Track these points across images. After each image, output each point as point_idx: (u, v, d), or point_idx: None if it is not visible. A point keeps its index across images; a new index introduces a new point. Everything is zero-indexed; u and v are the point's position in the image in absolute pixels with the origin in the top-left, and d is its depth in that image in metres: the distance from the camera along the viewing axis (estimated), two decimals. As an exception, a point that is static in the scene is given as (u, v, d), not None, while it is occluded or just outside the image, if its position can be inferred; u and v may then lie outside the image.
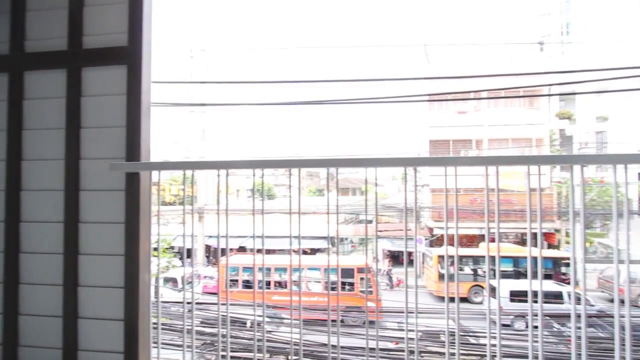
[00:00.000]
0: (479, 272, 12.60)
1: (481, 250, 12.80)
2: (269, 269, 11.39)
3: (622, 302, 1.53)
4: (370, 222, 18.98)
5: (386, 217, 16.61)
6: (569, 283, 10.92)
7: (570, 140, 15.86)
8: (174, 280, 11.33)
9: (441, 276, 12.32)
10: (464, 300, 11.83)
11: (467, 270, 12.72)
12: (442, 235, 15.19)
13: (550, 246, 14.26)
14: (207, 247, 17.48)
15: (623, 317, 1.55)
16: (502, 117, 15.12)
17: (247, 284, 11.29)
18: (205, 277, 12.94)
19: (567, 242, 14.00)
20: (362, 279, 10.95)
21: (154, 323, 1.54)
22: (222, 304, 1.51)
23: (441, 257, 12.47)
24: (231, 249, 15.51)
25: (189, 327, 1.56)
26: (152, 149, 1.58)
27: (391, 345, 7.13)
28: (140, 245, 1.49)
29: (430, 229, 15.77)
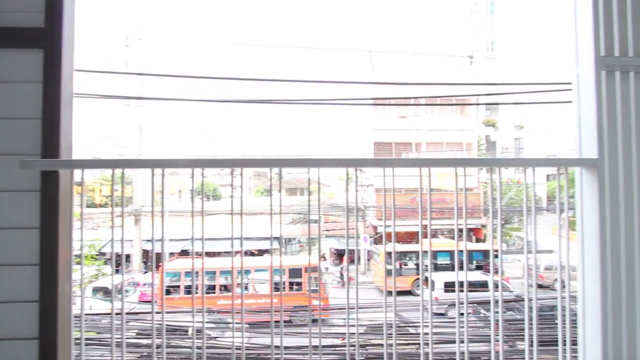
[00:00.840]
0: (422, 266, 13.47)
1: (424, 246, 13.67)
2: (213, 273, 10.94)
3: (540, 286, 1.77)
4: (317, 221, 19.25)
5: (333, 217, 16.99)
6: (497, 272, 12.18)
7: (494, 145, 17.81)
8: (105, 290, 10.33)
9: (388, 272, 12.96)
10: (408, 293, 12.54)
11: (411, 264, 13.52)
12: (387, 233, 15.95)
13: (477, 240, 15.82)
14: (145, 252, 16.24)
15: (539, 299, 1.79)
16: (438, 123, 16.44)
17: (190, 290, 10.73)
18: (144, 284, 12.02)
19: (494, 237, 15.65)
20: (310, 278, 11.03)
21: (77, 339, 1.39)
22: (158, 313, 1.41)
23: (388, 253, 13.13)
24: (172, 253, 14.57)
25: (119, 340, 1.44)
26: (77, 145, 1.43)
27: (337, 342, 7.31)
28: (60, 252, 1.34)
29: (375, 227, 16.49)
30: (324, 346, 7.22)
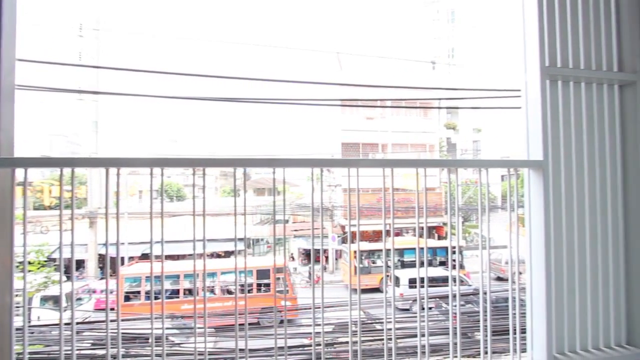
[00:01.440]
0: (389, 263, 13.83)
1: (389, 244, 14.07)
2: (176, 277, 10.52)
3: (500, 279, 1.89)
4: (283, 221, 19.15)
5: (302, 217, 16.98)
6: (461, 267, 12.80)
7: (455, 147, 18.75)
8: (55, 299, 9.58)
9: (356, 270, 13.19)
10: (376, 290, 12.81)
11: (379, 262, 13.82)
12: (353, 232, 16.19)
13: (440, 237, 16.54)
14: (101, 257, 15.26)
15: (495, 292, 1.90)
16: (403, 125, 17.01)
17: (153, 295, 10.21)
18: (102, 291, 11.29)
19: (453, 234, 16.45)
20: (278, 278, 10.95)
21: (19, 353, 1.28)
22: (113, 321, 1.33)
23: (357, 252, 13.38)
24: (132, 257, 13.84)
25: (68, 353, 1.35)
26: (20, 142, 1.31)
27: (306, 341, 7.32)
28: (-1, 259, 1.23)
29: (342, 227, 16.70)
30: (292, 347, 7.19)
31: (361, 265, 13.62)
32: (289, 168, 1.50)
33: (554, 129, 1.75)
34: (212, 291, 10.71)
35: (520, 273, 1.87)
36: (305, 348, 6.98)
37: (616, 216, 1.86)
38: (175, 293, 10.45)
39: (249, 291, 10.63)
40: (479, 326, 1.80)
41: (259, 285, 10.65)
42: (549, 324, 1.71)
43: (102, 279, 13.90)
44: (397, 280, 11.45)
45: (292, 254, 17.26)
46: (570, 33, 1.77)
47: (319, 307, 1.61)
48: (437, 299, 8.88)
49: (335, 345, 7.41)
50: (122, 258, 13.80)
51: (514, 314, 1.78)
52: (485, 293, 1.83)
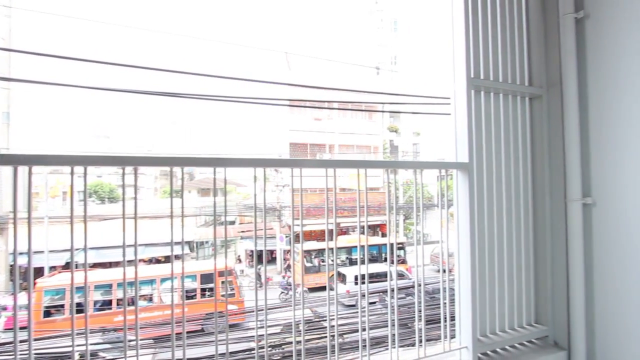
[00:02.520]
0: (338, 261, 14.14)
1: (339, 242, 14.41)
2: (109, 286, 9.60)
3: (444, 271, 2.03)
4: (233, 223, 18.55)
5: (248, 218, 16.60)
6: (403, 262, 13.52)
7: (397, 149, 19.87)
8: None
9: (307, 269, 13.28)
10: (325, 288, 12.98)
11: (329, 261, 14.01)
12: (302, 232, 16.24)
13: (383, 235, 17.37)
14: (18, 268, 13.31)
15: (433, 284, 2.04)
16: (349, 126, 17.55)
17: (80, 308, 9.20)
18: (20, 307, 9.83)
19: (397, 231, 17.37)
20: (223, 282, 10.58)
21: None
22: (23, 342, 1.18)
23: (307, 252, 13.46)
24: (54, 267, 12.35)
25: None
26: None
27: (253, 345, 7.18)
28: None
29: (290, 227, 16.68)
30: (240, 351, 6.99)
31: (310, 264, 13.75)
32: (233, 168, 1.46)
33: (477, 134, 1.95)
34: (151, 299, 9.98)
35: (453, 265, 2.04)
36: (252, 352, 6.85)
37: (527, 212, 2.13)
38: (107, 304, 9.53)
39: (192, 297, 10.12)
40: (419, 317, 1.93)
41: (203, 290, 10.17)
42: (474, 311, 1.90)
43: (12, 292, 12.13)
44: (343, 277, 11.76)
45: (238, 255, 16.78)
46: (491, 50, 1.99)
47: (268, 309, 1.59)
48: (381, 293, 9.32)
49: (283, 346, 7.39)
50: (42, 268, 12.21)
51: (445, 303, 1.94)
52: (420, 285, 1.97)
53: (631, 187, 1.82)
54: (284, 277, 13.71)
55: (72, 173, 1.06)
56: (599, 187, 1.95)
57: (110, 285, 9.56)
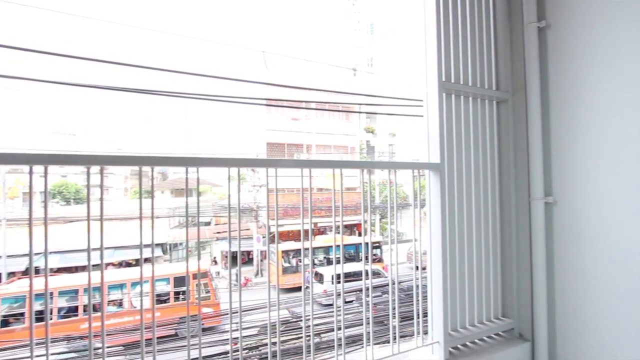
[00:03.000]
0: (315, 261, 14.16)
1: (317, 242, 14.45)
2: (74, 292, 9.13)
3: (417, 268, 2.08)
4: (208, 224, 18.14)
5: (225, 218, 16.29)
6: (380, 260, 13.72)
7: (373, 149, 20.19)
8: None
9: (284, 270, 13.21)
10: (305, 288, 12.92)
11: (307, 261, 13.96)
12: (278, 232, 16.16)
13: (360, 234, 17.58)
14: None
15: (408, 282, 2.09)
16: (326, 127, 17.64)
17: (42, 316, 8.68)
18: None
19: (372, 230, 17.63)
20: (198, 285, 10.33)
21: None
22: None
23: (285, 252, 13.39)
24: (12, 273, 11.59)
25: None
26: None
27: (229, 347, 7.06)
28: None
29: (267, 227, 16.52)
30: (216, 355, 6.85)
31: (288, 265, 13.71)
32: (206, 168, 1.43)
33: (449, 136, 2.02)
34: (121, 304, 9.58)
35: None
36: (228, 355, 6.74)
37: (494, 210, 2.23)
38: (73, 311, 9.06)
39: (165, 301, 9.81)
40: (393, 314, 1.97)
41: (177, 293, 9.89)
42: (445, 306, 1.96)
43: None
44: (321, 277, 11.80)
45: (214, 257, 16.44)
46: (461, 55, 2.06)
47: (243, 311, 1.57)
48: (358, 292, 9.43)
49: (260, 348, 7.32)
50: (-1, 274, 11.43)
51: (418, 301, 1.99)
52: (394, 284, 2.01)
53: (588, 187, 1.94)
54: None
55: (30, 172, 1.00)
56: (559, 187, 2.07)
57: (76, 291, 9.10)
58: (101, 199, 1.11)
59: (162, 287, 9.96)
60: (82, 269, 11.96)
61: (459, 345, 2.05)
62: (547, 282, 2.12)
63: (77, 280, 9.41)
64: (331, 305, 10.63)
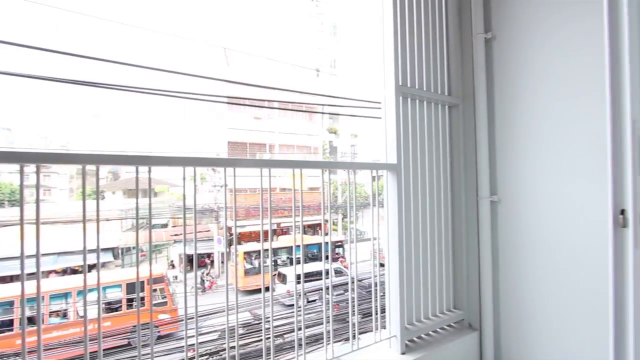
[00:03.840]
0: (279, 262, 14.05)
1: (280, 242, 14.33)
2: (9, 304, 8.25)
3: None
4: (165, 225, 17.26)
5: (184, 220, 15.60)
6: (342, 259, 13.91)
7: (336, 150, 20.47)
8: None
9: (247, 271, 12.98)
10: (267, 289, 12.74)
11: (268, 262, 13.84)
12: (240, 234, 15.82)
13: (324, 233, 17.68)
14: None
15: (372, 277, 2.14)
16: (290, 127, 17.58)
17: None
18: None
19: (335, 229, 17.85)
20: (154, 290, 9.84)
21: None
22: None
23: (247, 253, 13.17)
24: None
25: None
26: None
27: (190, 354, 6.79)
28: None
29: (229, 228, 16.11)
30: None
31: (251, 266, 13.49)
32: (159, 167, 1.37)
33: (405, 138, 2.11)
34: (65, 315, 8.83)
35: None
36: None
37: (447, 209, 2.37)
38: (8, 325, 8.18)
39: (117, 309, 9.20)
40: (354, 311, 2.02)
41: (131, 300, 9.31)
42: (402, 301, 2.04)
43: None
44: (284, 277, 11.73)
45: (171, 261, 15.69)
46: (417, 62, 2.16)
47: (202, 315, 1.52)
48: (321, 291, 9.50)
49: (221, 353, 7.11)
50: None
51: (377, 298, 2.06)
52: (354, 282, 2.06)
53: (528, 187, 2.13)
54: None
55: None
56: (503, 187, 2.25)
57: (11, 303, 8.23)
58: (37, 201, 1.02)
59: (114, 294, 9.34)
60: (16, 278, 10.86)
61: (414, 338, 2.15)
62: (493, 275, 2.28)
63: (12, 290, 8.52)
64: (298, 305, 10.56)
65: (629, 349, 0.74)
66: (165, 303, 9.84)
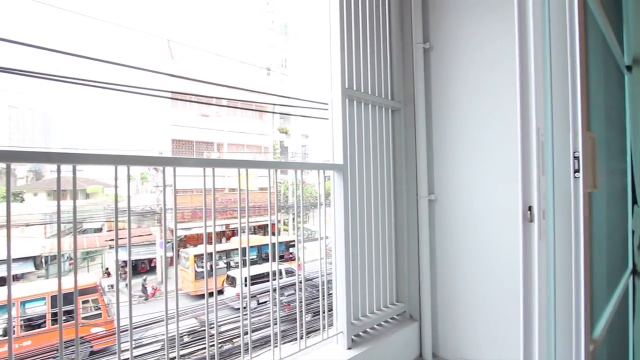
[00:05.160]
0: (232, 264, 13.59)
1: (231, 244, 13.87)
2: None
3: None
4: (100, 230, 15.76)
5: (120, 223, 14.38)
6: (293, 259, 13.85)
7: (287, 150, 20.41)
8: None
9: (197, 275, 12.45)
10: (220, 292, 12.26)
11: (221, 264, 13.40)
12: (185, 237, 15.05)
13: (274, 234, 17.52)
14: None
15: (320, 276, 2.15)
16: (239, 125, 17.10)
17: None
18: None
19: (285, 230, 17.79)
20: (85, 302, 8.95)
21: None
22: None
23: (197, 256, 12.61)
24: None
25: None
26: None
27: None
28: None
29: (172, 231, 15.23)
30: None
31: (201, 270, 12.97)
32: (86, 166, 1.25)
33: (351, 139, 2.17)
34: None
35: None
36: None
37: (390, 207, 2.49)
38: None
39: (39, 325, 8.19)
40: (308, 310, 2.03)
41: (56, 314, 8.34)
42: (348, 298, 2.11)
43: None
44: (233, 280, 11.40)
45: (107, 268, 14.38)
46: (362, 66, 2.24)
47: (143, 325, 1.42)
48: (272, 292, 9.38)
49: (163, 364, 6.69)
50: None
51: (324, 297, 2.10)
52: (302, 282, 2.07)
53: (461, 187, 2.32)
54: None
55: None
56: (439, 186, 2.43)
57: None
58: None
59: (37, 309, 8.32)
60: None
61: (360, 333, 2.23)
62: (431, 269, 2.45)
63: None
64: (244, 308, 10.30)
65: (535, 329, 0.85)
66: (99, 315, 9.00)
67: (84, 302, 8.92)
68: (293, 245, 14.47)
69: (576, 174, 0.80)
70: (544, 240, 0.83)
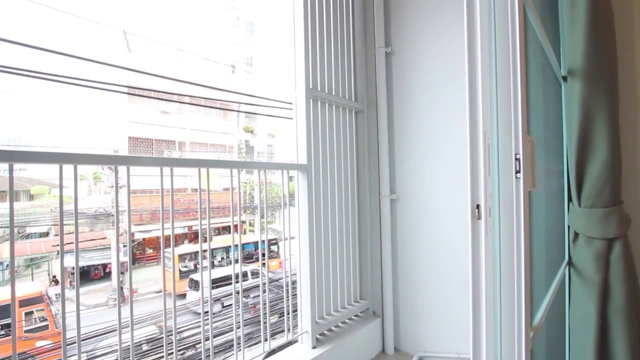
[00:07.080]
0: (191, 265, 13.12)
1: (188, 246, 13.38)
2: None
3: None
4: (46, 234, 14.52)
5: (70, 227, 13.34)
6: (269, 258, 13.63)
7: (252, 149, 20.06)
8: None
9: (182, 274, 12.10)
10: (183, 295, 11.78)
11: (190, 265, 12.99)
12: (143, 240, 14.32)
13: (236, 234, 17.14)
14: None
15: (284, 276, 2.13)
16: (203, 124, 16.54)
17: None
18: None
19: (251, 230, 17.48)
20: (29, 313, 8.22)
21: None
22: None
23: (181, 256, 12.26)
24: None
25: None
26: None
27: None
28: None
29: (132, 234, 14.38)
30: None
31: (185, 269, 12.57)
32: (28, 164, 1.14)
33: (315, 139, 2.19)
34: None
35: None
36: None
37: (354, 207, 2.54)
38: None
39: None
40: (275, 312, 2.01)
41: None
42: (313, 297, 2.12)
43: None
44: (196, 283, 11.02)
45: (54, 276, 13.29)
46: (326, 67, 2.27)
47: (95, 336, 1.32)
48: (237, 294, 9.20)
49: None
50: None
51: (289, 298, 2.09)
52: (265, 284, 2.05)
53: (420, 186, 2.42)
54: None
55: None
56: (400, 186, 2.51)
57: None
58: None
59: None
60: None
61: (325, 331, 2.25)
62: (392, 266, 2.53)
63: None
64: (207, 312, 9.99)
65: (482, 320, 0.91)
66: (46, 327, 8.31)
67: (28, 313, 8.19)
68: (275, 243, 14.28)
69: (517, 174, 0.87)
70: (490, 237, 0.89)
